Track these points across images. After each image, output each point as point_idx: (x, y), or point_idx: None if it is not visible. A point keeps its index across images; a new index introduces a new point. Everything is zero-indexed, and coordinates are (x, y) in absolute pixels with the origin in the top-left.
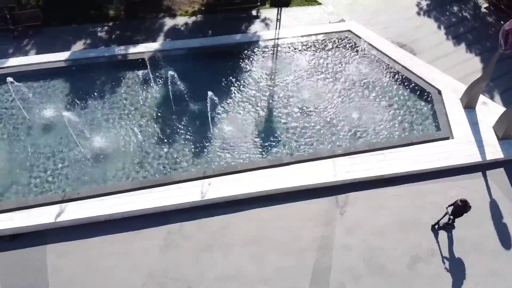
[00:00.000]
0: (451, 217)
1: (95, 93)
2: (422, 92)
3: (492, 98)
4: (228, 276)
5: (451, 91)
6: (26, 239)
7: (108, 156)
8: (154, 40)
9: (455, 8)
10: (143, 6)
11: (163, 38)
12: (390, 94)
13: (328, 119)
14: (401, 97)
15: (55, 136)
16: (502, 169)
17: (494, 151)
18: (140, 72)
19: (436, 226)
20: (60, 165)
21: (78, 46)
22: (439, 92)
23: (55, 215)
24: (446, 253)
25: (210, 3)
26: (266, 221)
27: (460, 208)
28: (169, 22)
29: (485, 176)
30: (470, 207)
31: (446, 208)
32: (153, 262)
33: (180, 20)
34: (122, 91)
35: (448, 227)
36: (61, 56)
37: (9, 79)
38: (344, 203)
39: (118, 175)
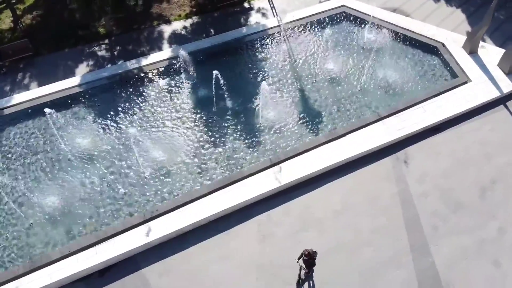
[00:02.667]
0: (306, 270)
1: (130, 109)
2: (429, 48)
3: (484, 41)
4: (332, 248)
5: (452, 42)
6: (118, 270)
7: (168, 171)
8: (160, 49)
9: None
10: (131, 19)
11: (168, 44)
12: (403, 55)
13: (359, 87)
14: (413, 56)
15: (108, 161)
16: None
17: (507, 85)
18: (164, 81)
19: (300, 282)
20: (128, 188)
21: (82, 69)
22: (443, 44)
23: (140, 237)
24: (505, 180)
25: (200, 3)
26: (343, 191)
27: (309, 260)
28: (167, 29)
29: (506, 106)
30: (316, 252)
31: (297, 261)
32: (256, 254)
33: (177, 25)
34: (161, 100)
35: (309, 275)
36: (71, 82)
37: (47, 110)
38: (405, 158)
39: (187, 185)
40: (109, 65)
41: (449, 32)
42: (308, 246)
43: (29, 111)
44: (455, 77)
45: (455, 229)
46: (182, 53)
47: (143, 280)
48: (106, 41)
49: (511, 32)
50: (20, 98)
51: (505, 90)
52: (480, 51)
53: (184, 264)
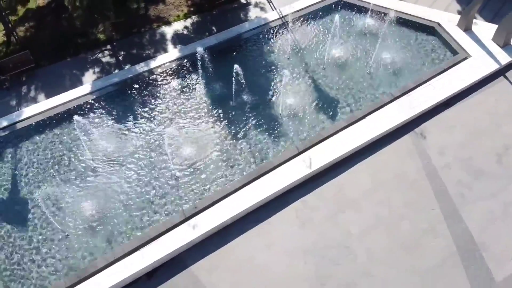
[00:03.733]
0: None
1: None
2: (427, 29)
3: (475, 18)
4: (371, 225)
5: (447, 21)
6: (166, 270)
7: (201, 167)
8: (165, 50)
9: None
10: (130, 23)
11: (172, 45)
12: (403, 37)
13: (367, 71)
14: (413, 37)
15: (139, 163)
16: None
17: (504, 57)
18: (179, 80)
19: None
20: (163, 188)
21: (89, 76)
22: (439, 24)
23: (183, 236)
24: None
25: (197, 3)
26: (370, 171)
27: None
28: (168, 30)
29: (506, 77)
30: None
31: None
32: (299, 240)
33: (178, 26)
34: (180, 99)
35: None
36: (82, 90)
37: (76, 117)
38: (423, 134)
39: (221, 179)
40: (116, 71)
41: (442, 12)
42: (347, 227)
43: (45, 122)
44: (455, 54)
45: (480, 194)
46: (199, 49)
47: (193, 278)
48: (108, 47)
49: (498, 8)
50: (31, 111)
51: (503, 62)
52: (474, 28)
53: (231, 257)
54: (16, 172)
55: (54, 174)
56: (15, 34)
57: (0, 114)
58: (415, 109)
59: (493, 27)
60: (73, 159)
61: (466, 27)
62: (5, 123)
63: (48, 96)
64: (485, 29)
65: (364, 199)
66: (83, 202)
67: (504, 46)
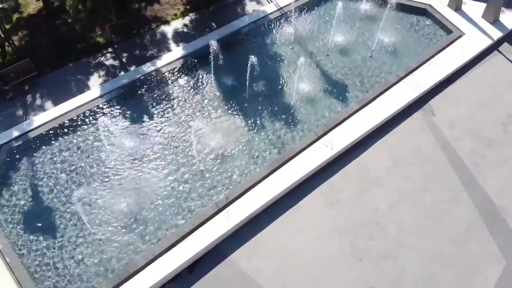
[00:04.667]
0: None
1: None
2: (420, 10)
3: None
4: (397, 200)
5: (438, 2)
6: (206, 263)
7: (226, 159)
8: (168, 49)
9: None
10: (127, 25)
11: (175, 44)
12: (398, 20)
13: (370, 54)
14: (408, 19)
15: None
16: (505, 41)
17: (495, 32)
18: (190, 76)
19: None
20: (193, 182)
21: (95, 80)
22: (431, 6)
23: (218, 227)
24: None
25: (192, 0)
26: (388, 149)
27: None
28: (168, 29)
29: (499, 51)
30: None
31: None
32: (330, 221)
33: (177, 24)
34: (195, 94)
35: None
36: (92, 94)
37: (101, 120)
38: (432, 110)
39: (248, 169)
40: (122, 73)
41: None
42: (374, 204)
43: (60, 128)
44: (450, 33)
45: (493, 162)
46: (213, 42)
47: (233, 266)
48: (110, 50)
49: None
50: (42, 118)
51: (495, 37)
52: (464, 7)
53: (267, 243)
54: (39, 179)
55: (82, 178)
56: (11, 42)
57: (9, 125)
58: (421, 88)
59: (481, 5)
60: (98, 161)
61: (457, 7)
62: (16, 133)
63: (55, 103)
64: (474, 7)
65: (387, 176)
66: (113, 204)
67: (494, 22)
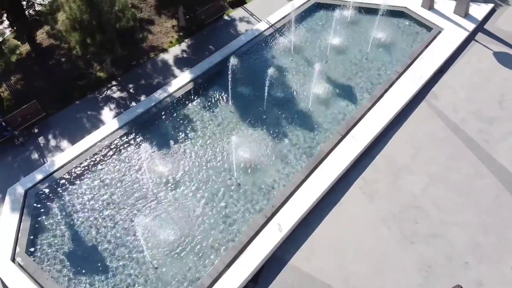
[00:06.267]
0: None
1: (192, 127)
2: (398, 13)
3: None
4: (427, 182)
5: (413, 4)
6: (268, 271)
7: (263, 168)
8: (173, 75)
9: None
10: (125, 57)
11: (178, 69)
12: (381, 23)
13: (365, 57)
14: (389, 21)
15: (205, 177)
16: (478, 31)
17: (469, 24)
18: (202, 98)
19: None
20: (236, 196)
21: (108, 114)
22: (406, 7)
23: (272, 235)
24: (508, 91)
25: (184, 27)
26: (407, 139)
27: None
28: (167, 56)
29: (476, 41)
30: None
31: None
32: (374, 211)
33: (175, 51)
34: (218, 112)
35: None
36: (110, 127)
37: (128, 149)
38: (434, 98)
39: (287, 175)
40: (133, 103)
41: None
42: (409, 189)
43: (85, 163)
44: (430, 30)
45: (500, 136)
46: (232, 60)
47: (295, 270)
48: (114, 83)
49: None
50: (63, 158)
51: (470, 29)
52: (436, 6)
53: (322, 241)
54: (75, 218)
55: (121, 209)
56: (9, 86)
57: (26, 170)
58: (421, 79)
59: (450, 2)
60: (137, 188)
61: (430, 6)
62: (40, 176)
63: (72, 141)
64: (444, 5)
65: (413, 162)
66: (162, 228)
67: (465, 16)
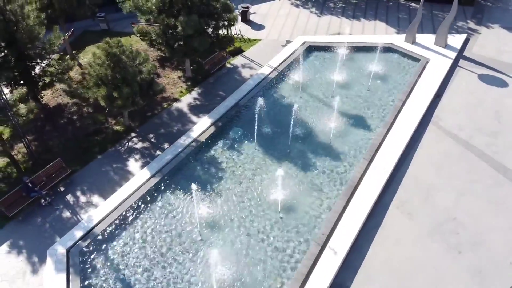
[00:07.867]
0: None
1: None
2: (386, 49)
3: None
4: (456, 195)
5: (396, 41)
6: None
7: (306, 193)
8: (192, 122)
9: None
10: (139, 111)
11: (195, 116)
12: (371, 58)
13: (367, 88)
14: (379, 57)
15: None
16: (460, 58)
17: (450, 53)
18: (226, 139)
19: None
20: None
21: (134, 164)
22: (392, 43)
23: (329, 263)
24: (502, 107)
25: (190, 77)
26: (425, 158)
27: None
28: (181, 105)
29: (460, 66)
30: None
31: None
32: (417, 227)
33: (188, 99)
34: (253, 147)
35: None
36: (143, 176)
37: (194, 186)
38: (438, 120)
39: (328, 202)
40: (158, 152)
41: (387, 35)
42: (442, 204)
43: (123, 216)
44: (418, 61)
45: (506, 146)
46: (260, 100)
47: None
48: (133, 134)
49: (424, 24)
50: (99, 213)
51: (452, 57)
52: (417, 40)
53: (376, 264)
54: (122, 274)
55: (170, 259)
56: (27, 144)
57: (60, 230)
58: (424, 103)
59: (429, 36)
60: (185, 235)
61: (413, 41)
62: (80, 233)
63: (103, 195)
64: (425, 39)
65: (437, 179)
66: (213, 271)
67: (445, 46)
